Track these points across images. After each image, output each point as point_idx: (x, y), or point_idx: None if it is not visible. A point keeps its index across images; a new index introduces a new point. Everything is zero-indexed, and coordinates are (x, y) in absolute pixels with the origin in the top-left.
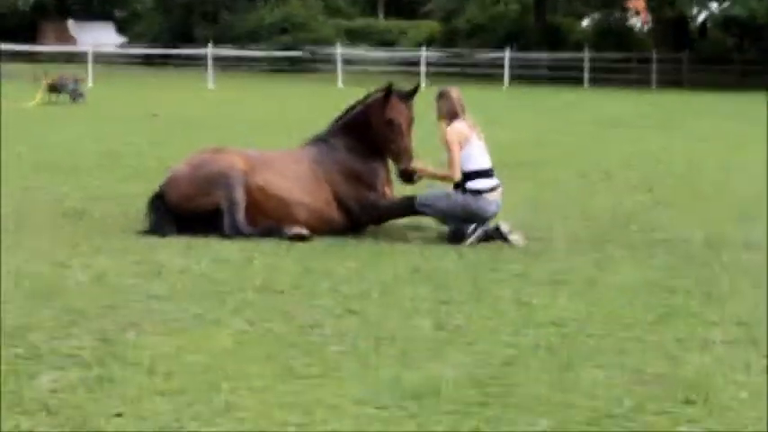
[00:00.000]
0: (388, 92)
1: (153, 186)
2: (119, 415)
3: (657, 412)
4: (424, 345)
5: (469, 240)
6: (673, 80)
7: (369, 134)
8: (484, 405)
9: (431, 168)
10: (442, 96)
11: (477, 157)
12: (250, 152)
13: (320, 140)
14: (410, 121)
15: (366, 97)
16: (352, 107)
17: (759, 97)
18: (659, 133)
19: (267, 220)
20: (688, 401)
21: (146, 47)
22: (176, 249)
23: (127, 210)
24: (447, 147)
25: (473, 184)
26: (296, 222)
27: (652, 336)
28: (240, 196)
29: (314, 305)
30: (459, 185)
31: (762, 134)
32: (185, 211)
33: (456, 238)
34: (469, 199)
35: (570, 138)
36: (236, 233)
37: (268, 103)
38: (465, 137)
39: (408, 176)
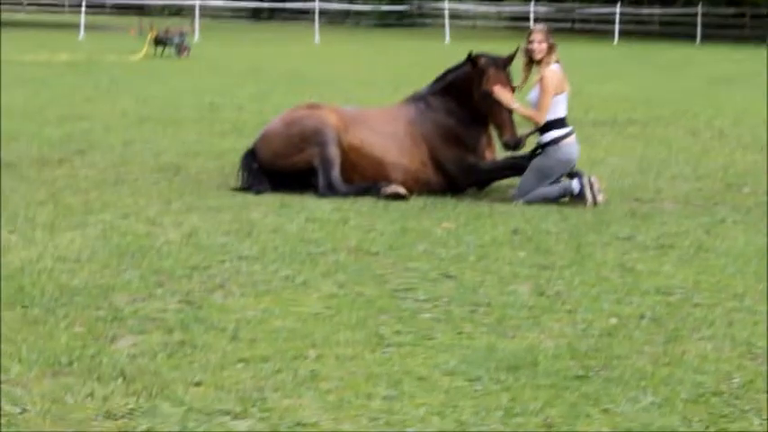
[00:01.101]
0: (474, 62)
1: (250, 142)
2: (198, 384)
3: None
4: (522, 312)
5: (595, 197)
6: None
7: (469, 101)
8: (583, 378)
9: (519, 106)
10: (538, 32)
11: (560, 108)
12: (346, 109)
13: (418, 99)
14: (512, 91)
15: (466, 61)
16: (452, 70)
17: None
18: None
19: (362, 179)
20: None
21: (253, 0)
22: (269, 208)
23: (223, 165)
24: (542, 89)
25: (548, 135)
26: (391, 183)
27: (763, 306)
28: (334, 154)
29: (408, 268)
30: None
31: None
32: (279, 169)
33: (575, 196)
34: (550, 151)
35: (682, 95)
36: (330, 192)
37: (373, 58)
38: (562, 88)
39: (514, 147)
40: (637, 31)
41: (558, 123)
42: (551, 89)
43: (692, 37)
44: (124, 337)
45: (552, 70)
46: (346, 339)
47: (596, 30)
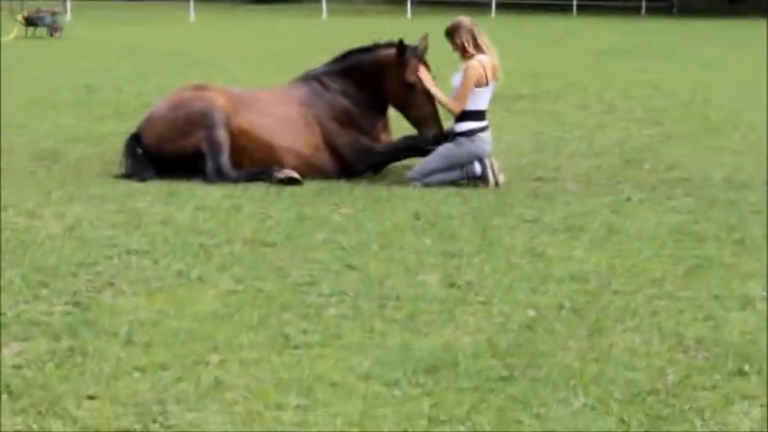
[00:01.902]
0: (402, 50)
1: (132, 125)
2: (91, 397)
3: (706, 387)
4: (434, 306)
5: (496, 178)
6: (663, 7)
7: (375, 87)
8: (508, 380)
9: (438, 91)
10: (455, 31)
11: (481, 100)
12: (234, 90)
13: (312, 79)
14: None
15: (373, 46)
16: (354, 52)
17: (751, 24)
18: (657, 62)
19: (253, 164)
20: (740, 373)
21: None
22: (156, 196)
23: (104, 151)
24: (463, 79)
25: (464, 125)
26: (283, 167)
27: (685, 291)
28: (223, 137)
29: (308, 259)
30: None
31: (762, 61)
32: (164, 154)
33: (476, 177)
34: (464, 141)
35: (567, 68)
36: (220, 178)
37: (252, 36)
38: (483, 79)
39: (437, 142)
40: (513, 3)
41: (476, 115)
42: (472, 81)
43: (568, 9)
44: (8, 344)
45: (478, 61)
46: (250, 341)
47: (473, 2)
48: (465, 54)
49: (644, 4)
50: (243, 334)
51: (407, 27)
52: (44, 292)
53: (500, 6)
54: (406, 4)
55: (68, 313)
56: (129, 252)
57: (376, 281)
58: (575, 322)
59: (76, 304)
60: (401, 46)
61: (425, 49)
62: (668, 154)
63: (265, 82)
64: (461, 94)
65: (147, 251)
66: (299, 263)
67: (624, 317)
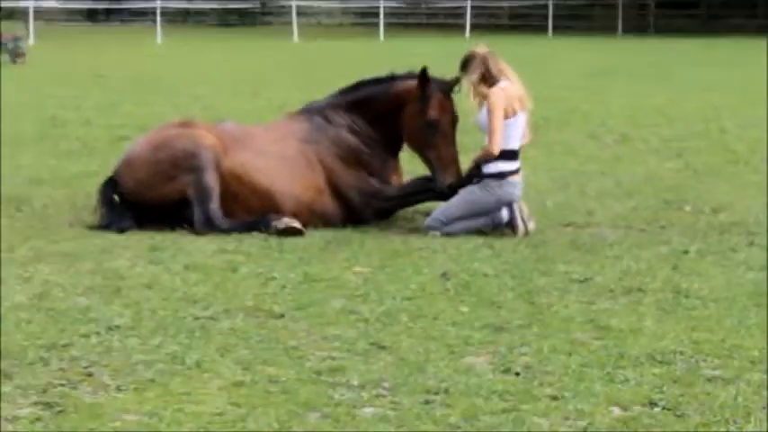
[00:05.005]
0: (425, 80)
1: (102, 163)
2: None
3: None
4: (494, 401)
5: (526, 225)
6: (638, 25)
7: (388, 124)
8: None
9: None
10: (468, 62)
11: (512, 136)
12: (224, 126)
13: (314, 112)
14: (455, 122)
15: (389, 78)
16: (367, 83)
17: (730, 42)
18: (654, 84)
19: (246, 212)
20: None
21: (89, 1)
22: (137, 252)
23: (74, 194)
24: (490, 109)
25: (493, 167)
26: (281, 215)
27: None
28: (212, 182)
29: (327, 336)
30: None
31: (762, 81)
32: (145, 202)
33: (503, 224)
34: (492, 186)
35: (560, 92)
36: (209, 228)
37: (222, 59)
38: (512, 107)
39: (453, 192)
40: (487, 24)
41: (507, 155)
42: (500, 109)
43: (543, 29)
44: None
45: (499, 88)
46: None
47: (447, 24)
48: (485, 85)
49: (620, 23)
50: None
51: (381, 49)
52: (7, 387)
53: (475, 27)
54: (378, 27)
55: (37, 419)
56: (109, 329)
57: (414, 366)
58: (674, 425)
59: (47, 406)
60: (424, 76)
61: (456, 83)
62: (705, 193)
63: (244, 108)
64: (494, 127)
65: (132, 327)
66: (317, 341)
67: (736, 415)
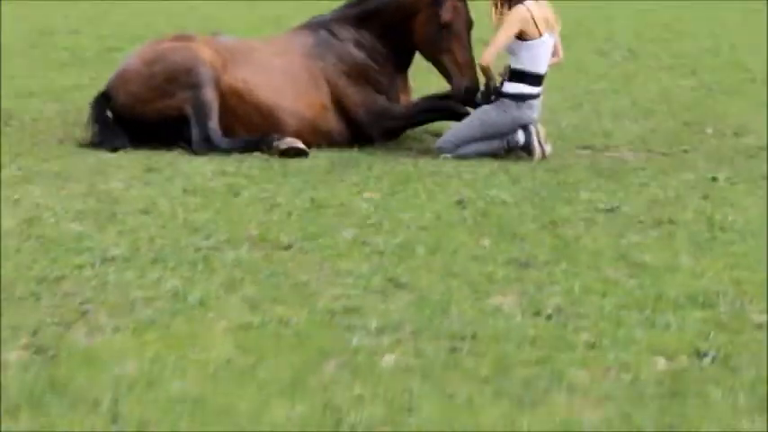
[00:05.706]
0: None
1: (95, 76)
2: None
3: None
4: (525, 350)
5: (543, 148)
6: None
7: (397, 37)
8: None
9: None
10: None
11: (538, 58)
12: (223, 40)
13: (319, 26)
14: (470, 26)
15: None
16: None
17: None
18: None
19: (247, 130)
20: None
21: None
22: (132, 173)
23: (65, 110)
24: (503, 25)
25: (514, 87)
26: (283, 134)
27: None
28: (211, 98)
29: (340, 271)
30: (491, 90)
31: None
32: (140, 118)
33: (519, 147)
34: (509, 106)
35: (563, 8)
36: (207, 147)
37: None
38: (531, 27)
39: (470, 95)
40: None
41: (532, 79)
42: (513, 27)
43: None
44: None
45: (524, 6)
46: (284, 419)
47: None
48: (507, 5)
49: None
50: (273, 403)
51: None
52: None
53: None
54: None
55: (28, 366)
56: (105, 260)
57: (437, 307)
58: (728, 380)
59: (39, 350)
60: None
61: None
62: (725, 114)
63: (252, 25)
64: (495, 40)
65: (128, 259)
66: (328, 276)
67: None
